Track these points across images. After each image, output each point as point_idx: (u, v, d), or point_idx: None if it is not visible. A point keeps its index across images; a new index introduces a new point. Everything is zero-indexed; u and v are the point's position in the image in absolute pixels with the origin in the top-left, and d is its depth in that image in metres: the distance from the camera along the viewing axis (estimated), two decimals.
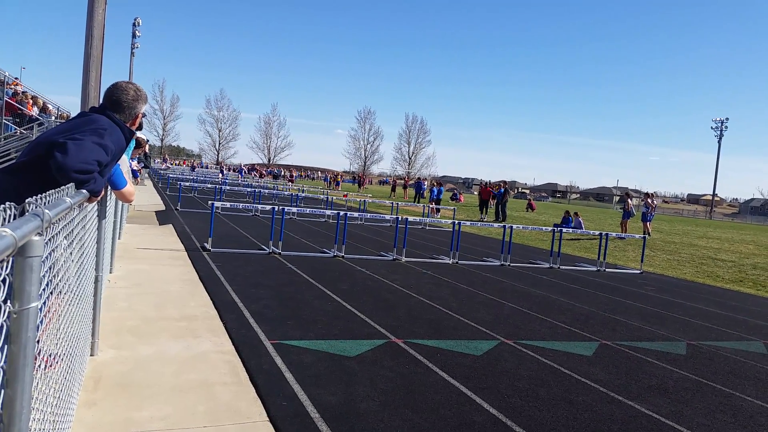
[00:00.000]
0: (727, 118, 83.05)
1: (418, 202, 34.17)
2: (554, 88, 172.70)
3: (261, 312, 5.81)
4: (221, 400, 3.58)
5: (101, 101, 3.11)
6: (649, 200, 24.06)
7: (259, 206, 14.01)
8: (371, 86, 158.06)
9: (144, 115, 3.38)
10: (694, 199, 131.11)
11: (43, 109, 17.11)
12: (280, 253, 9.90)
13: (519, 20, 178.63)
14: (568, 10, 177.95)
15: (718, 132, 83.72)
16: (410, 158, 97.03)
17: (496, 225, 14.68)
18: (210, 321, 5.35)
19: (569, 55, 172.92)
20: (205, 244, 9.73)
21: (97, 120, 2.85)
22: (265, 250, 10.18)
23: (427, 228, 19.04)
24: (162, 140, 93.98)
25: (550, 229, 13.87)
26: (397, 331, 5.61)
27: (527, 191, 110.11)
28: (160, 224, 12.98)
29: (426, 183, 44.26)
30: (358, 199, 26.49)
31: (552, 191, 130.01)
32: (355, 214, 14.88)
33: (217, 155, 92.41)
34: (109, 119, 2.91)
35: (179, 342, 4.63)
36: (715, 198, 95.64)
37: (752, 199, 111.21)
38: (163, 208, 17.36)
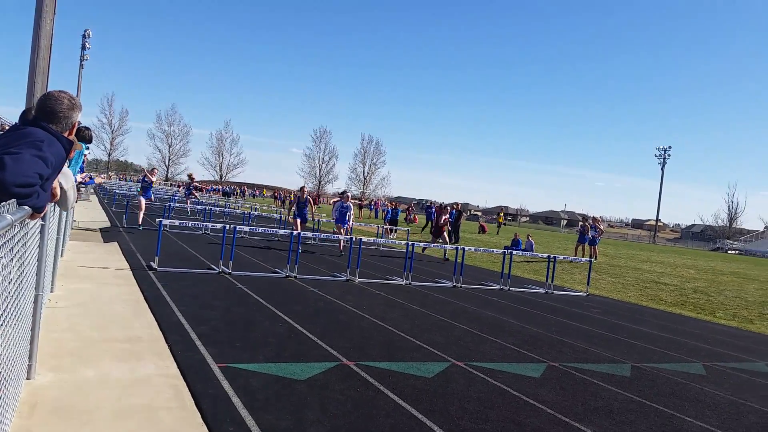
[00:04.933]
0: (670, 147, 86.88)
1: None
2: (505, 114, 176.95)
3: (208, 334, 5.68)
4: (165, 426, 3.46)
5: (34, 113, 2.98)
6: (599, 225, 24.84)
7: (210, 224, 13.74)
8: (328, 106, 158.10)
9: (88, 129, 3.27)
10: (638, 224, 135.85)
11: None
12: (230, 273, 9.71)
13: (472, 44, 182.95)
14: (519, 35, 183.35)
15: (662, 159, 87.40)
16: (365, 178, 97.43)
17: (449, 247, 14.83)
18: (155, 343, 5.19)
19: (519, 81, 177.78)
20: (152, 263, 9.47)
21: (33, 133, 2.74)
22: (214, 269, 9.98)
23: (381, 248, 19.07)
24: (109, 155, 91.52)
25: (500, 251, 14.11)
26: (349, 353, 5.56)
27: (479, 213, 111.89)
28: (104, 242, 12.57)
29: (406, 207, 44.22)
30: (316, 219, 26.33)
31: (497, 213, 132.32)
32: (309, 234, 14.78)
33: (167, 171, 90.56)
34: (45, 131, 2.81)
35: (122, 365, 4.47)
36: (659, 223, 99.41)
37: (693, 225, 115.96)
38: (108, 225, 16.83)
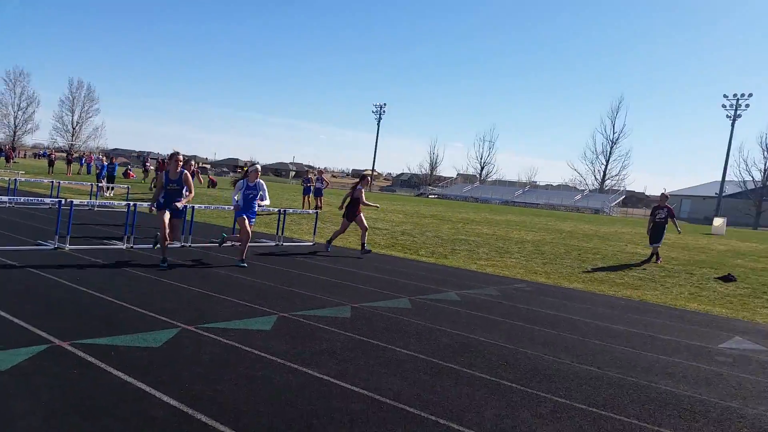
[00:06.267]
0: (384, 104, 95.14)
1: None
2: (234, 63, 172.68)
3: None
4: None
5: None
6: (324, 176, 26.24)
7: None
8: (25, 43, 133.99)
9: None
10: (357, 174, 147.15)
11: None
12: None
13: None
14: None
15: (378, 115, 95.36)
16: (74, 129, 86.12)
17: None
18: None
19: (247, 33, 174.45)
20: None
21: None
22: None
23: (96, 209, 17.33)
24: None
25: (231, 207, 14.01)
26: (63, 333, 5.05)
27: (208, 166, 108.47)
28: None
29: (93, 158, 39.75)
30: (6, 178, 22.53)
31: (233, 166, 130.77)
32: (4, 198, 12.59)
33: None
34: None
35: None
36: (375, 173, 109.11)
37: (402, 174, 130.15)
38: None
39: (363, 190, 12.87)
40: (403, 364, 5.12)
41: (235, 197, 9.91)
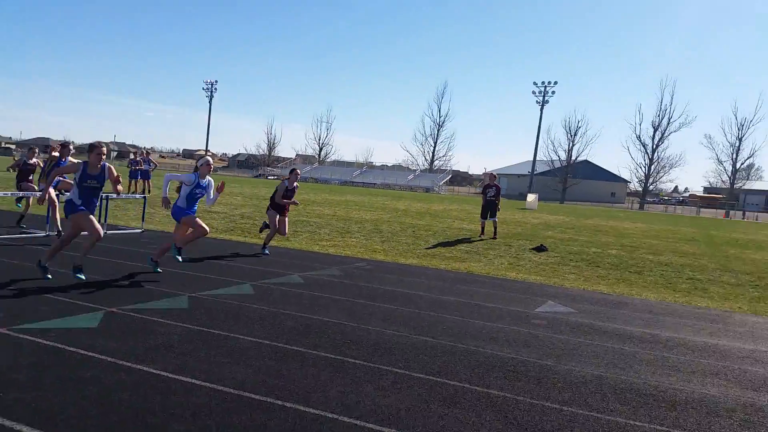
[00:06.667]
0: (216, 81, 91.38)
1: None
2: (44, 31, 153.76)
3: None
4: None
5: None
6: (151, 157, 24.59)
7: None
8: None
9: None
10: (189, 154, 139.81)
11: None
12: None
13: None
14: None
15: (209, 93, 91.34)
16: None
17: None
18: None
19: None
20: None
21: None
22: None
23: None
24: None
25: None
26: None
27: (13, 146, 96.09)
28: None
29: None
30: None
31: (45, 146, 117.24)
32: None
33: None
34: None
35: None
36: (208, 153, 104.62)
37: (239, 154, 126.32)
38: None
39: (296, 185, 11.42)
40: (247, 352, 5.04)
41: (167, 188, 8.22)
